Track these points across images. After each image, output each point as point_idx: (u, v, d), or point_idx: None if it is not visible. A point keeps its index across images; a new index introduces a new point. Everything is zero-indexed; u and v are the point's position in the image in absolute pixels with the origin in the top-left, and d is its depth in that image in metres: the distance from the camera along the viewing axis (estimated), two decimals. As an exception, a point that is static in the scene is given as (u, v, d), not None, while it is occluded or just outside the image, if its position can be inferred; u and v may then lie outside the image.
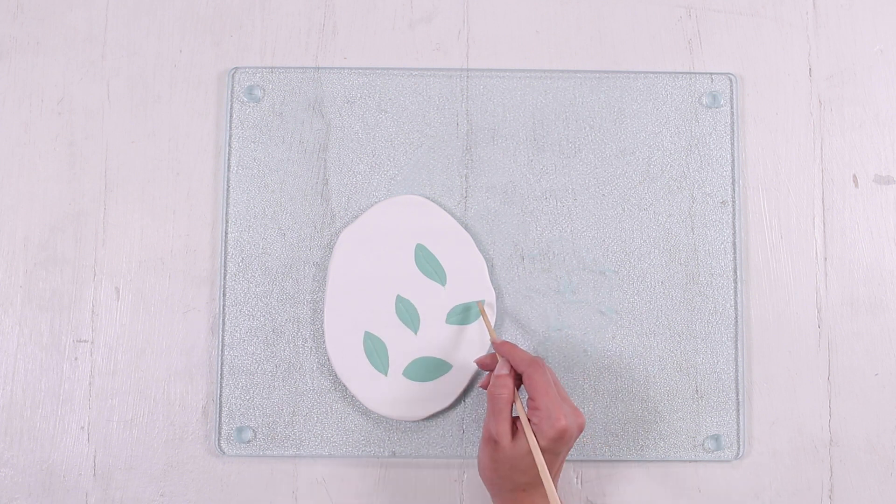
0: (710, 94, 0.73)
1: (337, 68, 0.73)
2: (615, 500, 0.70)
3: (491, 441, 0.62)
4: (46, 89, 0.73)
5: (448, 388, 0.69)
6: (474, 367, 0.69)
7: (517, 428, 0.62)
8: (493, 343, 0.66)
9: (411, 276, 0.70)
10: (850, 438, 0.71)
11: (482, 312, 0.69)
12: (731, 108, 0.73)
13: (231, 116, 0.72)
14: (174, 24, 0.74)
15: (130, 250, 0.72)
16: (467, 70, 0.73)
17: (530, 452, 0.61)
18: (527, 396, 0.62)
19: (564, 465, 0.70)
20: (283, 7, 0.74)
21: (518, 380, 0.64)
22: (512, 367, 0.64)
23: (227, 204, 0.71)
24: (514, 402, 0.63)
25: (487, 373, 0.67)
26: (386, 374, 0.69)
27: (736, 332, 0.71)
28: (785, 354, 0.71)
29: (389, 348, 0.70)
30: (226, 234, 0.71)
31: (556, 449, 0.61)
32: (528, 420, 0.61)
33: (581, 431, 0.62)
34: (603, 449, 0.70)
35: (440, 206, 0.71)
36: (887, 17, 0.74)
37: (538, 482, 0.61)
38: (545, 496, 0.62)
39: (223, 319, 0.70)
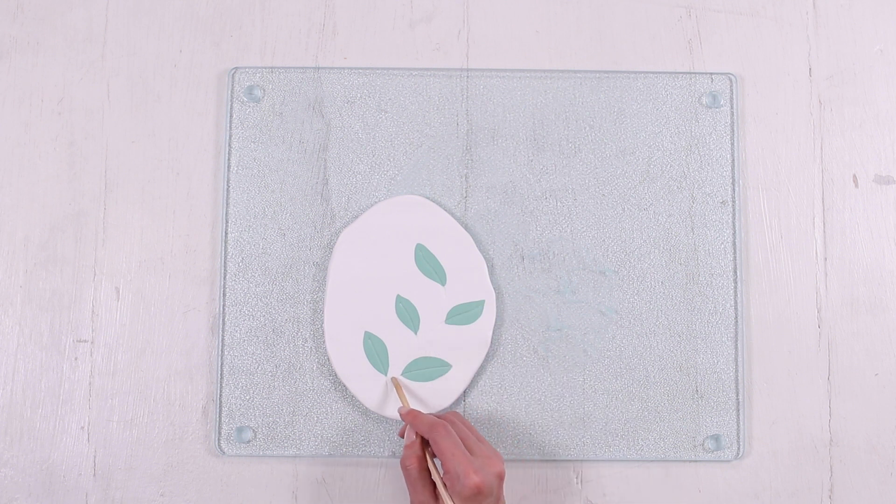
0: (710, 94, 0.73)
1: (337, 68, 0.73)
2: (615, 500, 0.70)
3: None
4: (46, 89, 0.73)
5: (448, 388, 0.69)
6: (475, 367, 0.69)
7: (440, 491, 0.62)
8: (400, 413, 0.66)
9: (411, 276, 0.70)
10: (850, 438, 0.71)
11: (396, 386, 0.68)
12: (731, 108, 0.73)
13: (231, 116, 0.72)
14: (174, 24, 0.74)
15: (130, 250, 0.72)
16: (467, 70, 0.73)
17: None
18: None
19: (564, 464, 0.70)
20: (283, 7, 0.74)
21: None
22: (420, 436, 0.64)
23: (227, 204, 0.71)
24: (427, 468, 0.63)
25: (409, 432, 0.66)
26: (386, 374, 0.69)
27: (736, 332, 0.71)
28: (785, 354, 0.71)
29: (389, 348, 0.70)
30: (226, 234, 0.71)
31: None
32: (444, 484, 0.61)
33: (502, 478, 0.62)
34: (603, 449, 0.70)
35: (440, 206, 0.71)
36: (887, 17, 0.74)
37: None
38: None
39: (223, 319, 0.70)
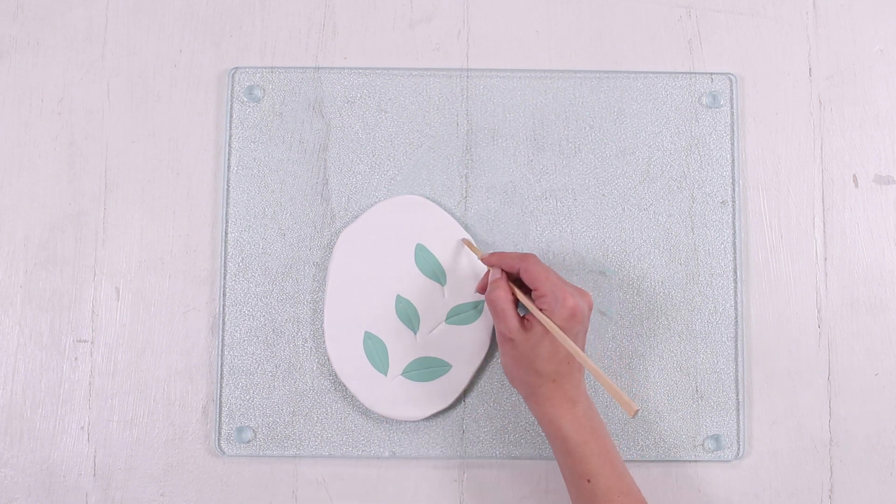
0: (710, 94, 0.73)
1: (337, 68, 0.73)
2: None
3: (506, 342, 0.63)
4: (46, 89, 0.73)
5: (448, 388, 0.69)
6: (475, 367, 0.69)
7: (528, 321, 0.63)
8: (482, 259, 0.67)
9: (411, 276, 0.70)
10: (850, 438, 0.71)
11: (467, 243, 0.69)
12: (731, 108, 0.73)
13: (231, 116, 0.72)
14: (174, 24, 0.74)
15: (130, 250, 0.72)
16: (467, 70, 0.73)
17: (545, 338, 0.61)
18: (532, 292, 0.63)
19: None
20: (283, 7, 0.74)
21: (516, 283, 0.65)
22: (506, 272, 0.65)
23: (227, 204, 0.71)
24: (516, 300, 0.64)
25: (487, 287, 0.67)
26: (386, 374, 0.69)
27: (736, 332, 0.71)
28: (785, 354, 0.71)
29: (389, 348, 0.70)
30: (226, 234, 0.71)
31: (572, 330, 0.61)
32: (539, 309, 0.62)
33: (591, 309, 0.64)
34: (603, 449, 0.70)
35: (440, 206, 0.71)
36: (887, 17, 0.74)
37: (564, 370, 0.62)
38: (574, 384, 0.63)
39: (223, 319, 0.71)
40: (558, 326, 0.61)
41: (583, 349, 0.64)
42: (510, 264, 0.65)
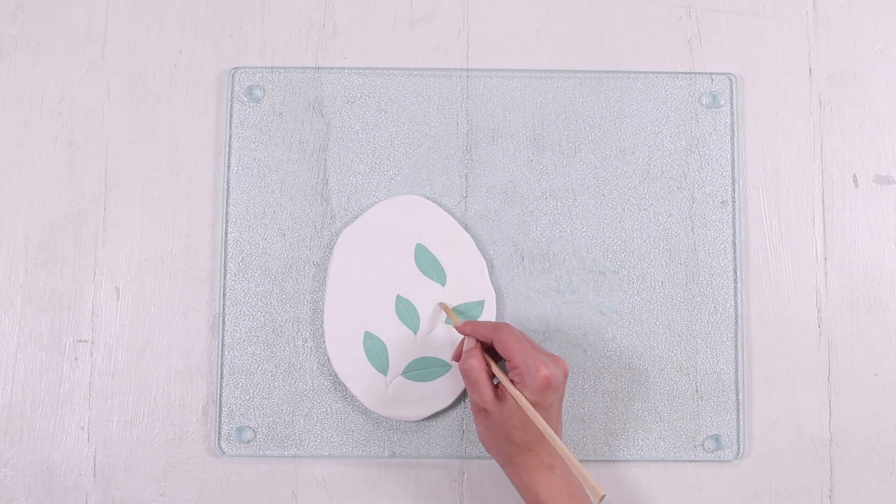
0: (710, 94, 0.73)
1: (337, 68, 0.73)
2: (615, 500, 0.70)
3: (480, 412, 0.62)
4: (46, 89, 0.73)
5: (448, 388, 0.69)
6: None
7: (502, 392, 0.62)
8: (456, 327, 0.66)
9: (411, 276, 0.70)
10: (850, 438, 0.71)
11: (444, 308, 0.69)
12: (731, 108, 0.73)
13: (231, 116, 0.72)
14: (174, 24, 0.74)
15: (130, 250, 0.72)
16: (467, 70, 0.73)
17: (520, 409, 0.61)
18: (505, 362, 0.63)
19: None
20: (283, 7, 0.74)
21: (491, 352, 0.64)
22: (480, 341, 0.64)
23: (227, 204, 0.71)
24: (489, 369, 0.63)
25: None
26: (386, 374, 0.69)
27: (736, 332, 0.71)
28: (785, 354, 0.71)
29: (389, 348, 0.70)
30: (226, 234, 0.71)
31: (545, 401, 0.61)
32: (511, 381, 0.61)
33: (566, 376, 0.63)
34: (603, 449, 0.70)
35: (440, 206, 0.71)
36: (887, 17, 0.74)
37: (540, 438, 0.61)
38: (551, 451, 0.62)
39: (223, 319, 0.70)
40: (532, 397, 0.60)
41: (559, 416, 0.63)
42: (483, 334, 0.64)
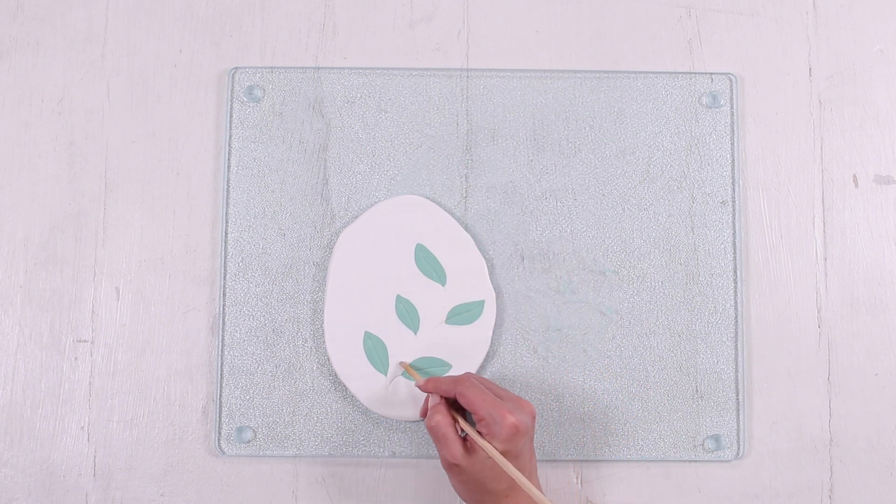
0: (710, 94, 0.73)
1: (337, 68, 0.73)
2: (615, 500, 0.70)
3: (452, 468, 0.62)
4: (46, 89, 0.73)
5: (448, 388, 0.69)
6: (475, 367, 0.69)
7: (471, 444, 0.62)
8: (418, 385, 0.66)
9: (411, 276, 0.70)
10: (850, 438, 0.71)
11: (406, 368, 0.69)
12: (731, 108, 0.73)
13: (231, 116, 0.72)
14: (174, 24, 0.74)
15: (130, 250, 0.72)
16: (467, 70, 0.73)
17: (491, 460, 0.60)
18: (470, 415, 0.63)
19: (564, 464, 0.70)
20: (283, 7, 0.74)
21: (457, 405, 0.64)
22: (443, 397, 0.64)
23: (227, 204, 0.71)
24: (456, 424, 0.63)
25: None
26: (386, 374, 0.69)
27: (736, 332, 0.71)
28: (785, 354, 0.71)
29: (389, 348, 0.70)
30: (226, 234, 0.71)
31: (515, 447, 0.61)
32: (479, 432, 0.61)
33: (534, 418, 0.62)
34: (603, 449, 0.70)
35: (440, 206, 0.71)
36: (887, 17, 0.74)
37: (515, 484, 0.61)
38: (528, 496, 0.61)
39: (223, 319, 0.70)
40: (502, 446, 0.60)
41: (531, 457, 0.63)
42: (445, 390, 0.64)
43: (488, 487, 0.61)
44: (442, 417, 0.62)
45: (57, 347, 0.71)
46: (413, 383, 0.68)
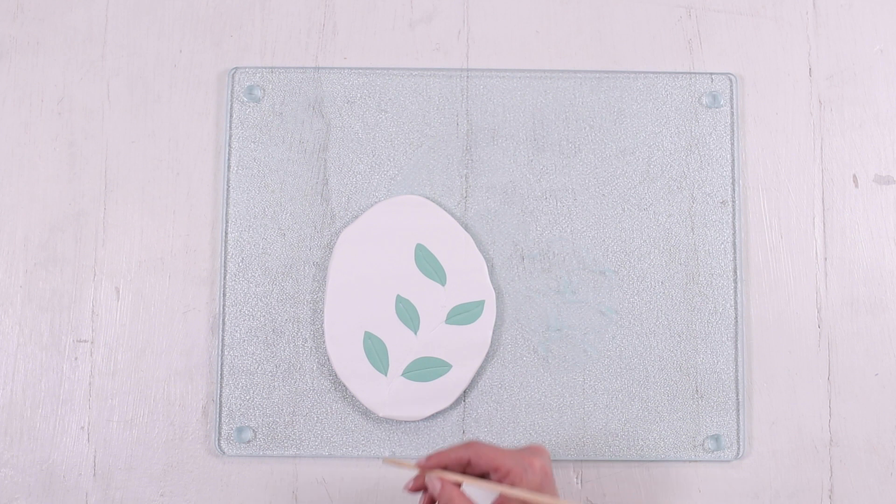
0: (710, 94, 0.73)
1: (337, 68, 0.73)
2: (615, 500, 0.70)
3: None
4: (46, 89, 0.73)
5: (448, 388, 0.69)
6: (475, 367, 0.69)
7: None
8: (419, 465, 0.58)
9: (411, 276, 0.70)
10: (850, 438, 0.71)
11: (392, 462, 0.60)
12: (731, 108, 0.73)
13: (231, 116, 0.72)
14: (174, 24, 0.74)
15: (130, 250, 0.72)
16: (467, 70, 0.73)
17: None
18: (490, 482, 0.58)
19: (564, 464, 0.70)
20: (283, 7, 0.74)
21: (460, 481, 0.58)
22: (446, 473, 0.58)
23: (227, 204, 0.71)
24: (464, 494, 0.57)
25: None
26: (386, 375, 0.69)
27: (736, 332, 0.71)
28: (785, 354, 0.71)
29: (389, 348, 0.70)
30: (226, 234, 0.71)
31: (549, 488, 0.57)
32: (509, 484, 0.56)
33: (550, 458, 0.59)
34: (603, 449, 0.70)
35: (440, 206, 0.71)
36: (887, 17, 0.74)
37: None
38: None
39: (223, 319, 0.71)
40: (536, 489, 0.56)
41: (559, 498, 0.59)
42: (455, 458, 0.57)
43: None
44: (457, 495, 0.56)
45: (57, 347, 0.71)
46: (405, 470, 0.61)
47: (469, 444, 0.58)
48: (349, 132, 0.72)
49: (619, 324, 0.71)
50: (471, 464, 0.58)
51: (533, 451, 0.59)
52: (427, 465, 0.58)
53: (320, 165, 0.72)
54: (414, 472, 0.59)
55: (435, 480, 0.57)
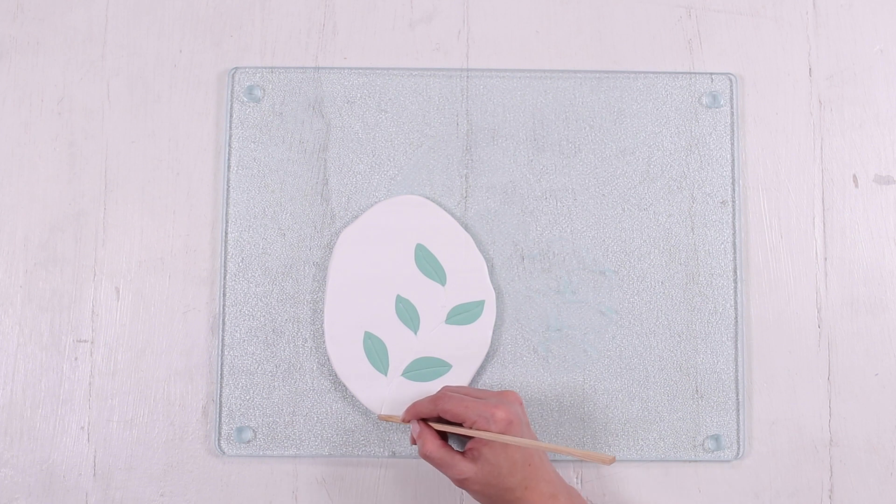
0: (710, 94, 0.73)
1: (337, 68, 0.73)
2: (615, 500, 0.70)
3: (464, 483, 0.62)
4: (46, 89, 0.73)
5: (448, 388, 0.69)
6: (475, 367, 0.70)
7: (472, 452, 0.62)
8: (403, 420, 0.66)
9: (411, 276, 0.70)
10: (850, 438, 0.71)
11: (385, 418, 0.69)
12: (731, 108, 0.73)
13: (231, 116, 0.72)
14: (174, 24, 0.74)
15: (130, 250, 0.72)
16: (467, 70, 0.73)
17: (498, 456, 0.60)
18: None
19: (564, 464, 0.70)
20: (283, 7, 0.74)
21: (443, 423, 0.64)
22: (427, 421, 0.64)
23: (227, 204, 0.71)
24: (447, 445, 0.63)
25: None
26: (386, 374, 0.69)
27: (736, 332, 0.71)
28: (785, 354, 0.71)
29: (389, 348, 0.70)
30: (226, 234, 0.71)
31: (516, 433, 0.61)
32: (479, 429, 0.61)
33: (522, 405, 0.63)
34: (603, 449, 0.70)
35: (440, 206, 0.71)
36: (887, 17, 0.74)
37: (530, 472, 0.61)
38: (547, 479, 0.62)
39: (223, 319, 0.71)
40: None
41: (533, 438, 0.63)
42: (427, 412, 0.64)
43: (506, 484, 0.61)
44: (430, 443, 0.63)
45: (57, 347, 0.71)
46: (398, 423, 0.69)
47: (437, 397, 0.64)
48: (349, 132, 0.72)
49: (619, 324, 0.71)
50: (440, 416, 0.63)
51: (501, 399, 0.63)
52: (406, 419, 0.66)
53: (320, 165, 0.72)
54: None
55: (415, 423, 0.65)
